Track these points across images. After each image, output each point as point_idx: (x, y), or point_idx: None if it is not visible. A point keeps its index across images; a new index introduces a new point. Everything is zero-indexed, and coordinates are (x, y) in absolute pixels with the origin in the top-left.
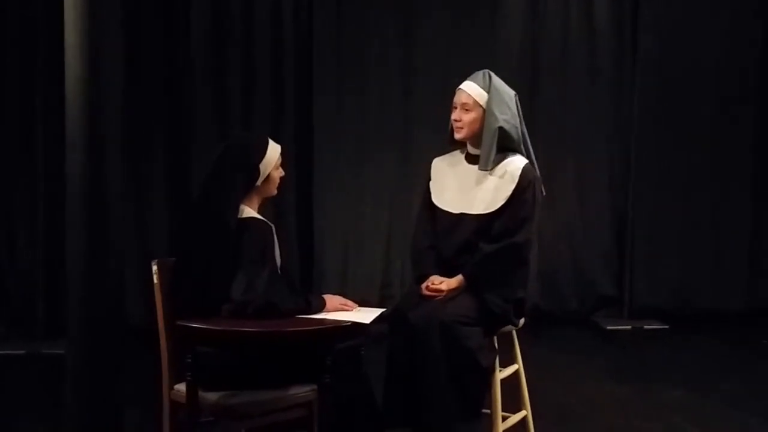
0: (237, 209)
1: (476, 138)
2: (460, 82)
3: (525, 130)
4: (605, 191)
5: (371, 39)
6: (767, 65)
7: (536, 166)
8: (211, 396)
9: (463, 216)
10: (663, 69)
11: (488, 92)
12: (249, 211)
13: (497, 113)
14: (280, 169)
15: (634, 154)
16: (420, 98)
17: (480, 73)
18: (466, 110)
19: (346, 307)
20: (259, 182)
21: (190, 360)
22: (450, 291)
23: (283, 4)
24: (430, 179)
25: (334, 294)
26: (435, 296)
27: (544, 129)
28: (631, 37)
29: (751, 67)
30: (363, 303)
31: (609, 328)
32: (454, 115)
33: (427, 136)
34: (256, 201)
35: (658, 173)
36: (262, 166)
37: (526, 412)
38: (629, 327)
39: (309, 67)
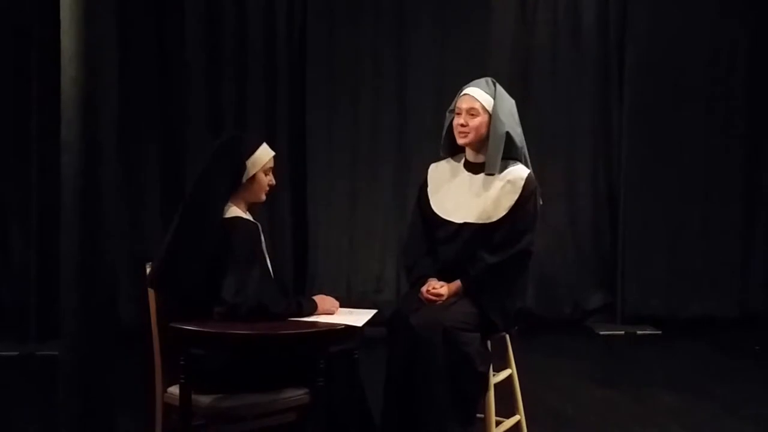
0: (222, 205)
1: (479, 144)
2: (453, 89)
3: (523, 139)
4: (598, 196)
5: (364, 45)
6: (755, 68)
7: (532, 173)
8: (204, 399)
9: (464, 225)
10: (652, 76)
11: (494, 98)
12: (235, 211)
13: (503, 119)
14: (270, 177)
15: (626, 161)
16: (412, 105)
17: (483, 80)
18: (473, 115)
19: (336, 310)
20: (244, 179)
21: (183, 362)
22: (450, 296)
23: (277, 12)
24: (426, 185)
25: (326, 295)
26: (435, 300)
27: (534, 136)
28: (618, 45)
29: (740, 73)
30: (356, 307)
31: (602, 333)
32: (459, 120)
33: (420, 142)
34: (243, 204)
35: (650, 179)
36: (248, 163)
37: (519, 416)
38: (622, 332)
39: (302, 73)
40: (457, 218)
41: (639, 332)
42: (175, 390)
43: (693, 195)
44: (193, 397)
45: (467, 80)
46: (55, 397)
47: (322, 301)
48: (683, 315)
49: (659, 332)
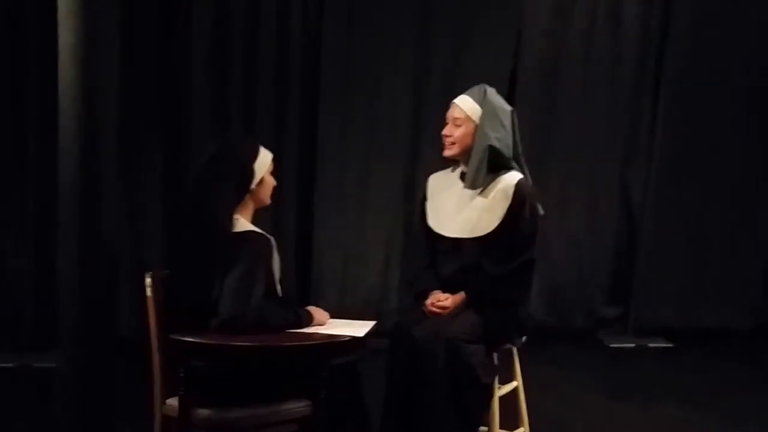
0: (232, 216)
1: (467, 155)
2: None
3: (519, 149)
4: (611, 207)
5: (380, 49)
6: None
7: (529, 180)
8: (204, 411)
9: (460, 239)
10: (688, 84)
11: (482, 107)
12: (246, 224)
13: (489, 130)
14: (273, 178)
15: (645, 171)
16: (426, 113)
17: (476, 88)
18: (457, 125)
19: (326, 322)
20: (253, 185)
21: (183, 374)
22: (454, 308)
23: (292, 18)
24: (425, 198)
25: (317, 307)
26: (439, 313)
27: (559, 141)
28: (656, 51)
29: None
30: (360, 317)
31: (613, 345)
32: (445, 131)
33: (431, 151)
34: (250, 209)
35: (666, 189)
36: (256, 167)
37: (524, 429)
38: (633, 345)
39: (315, 78)
40: (449, 232)
41: (650, 345)
42: (174, 402)
43: (712, 205)
44: (193, 409)
45: (491, 82)
46: (53, 409)
47: (315, 312)
48: (697, 326)
49: (671, 345)
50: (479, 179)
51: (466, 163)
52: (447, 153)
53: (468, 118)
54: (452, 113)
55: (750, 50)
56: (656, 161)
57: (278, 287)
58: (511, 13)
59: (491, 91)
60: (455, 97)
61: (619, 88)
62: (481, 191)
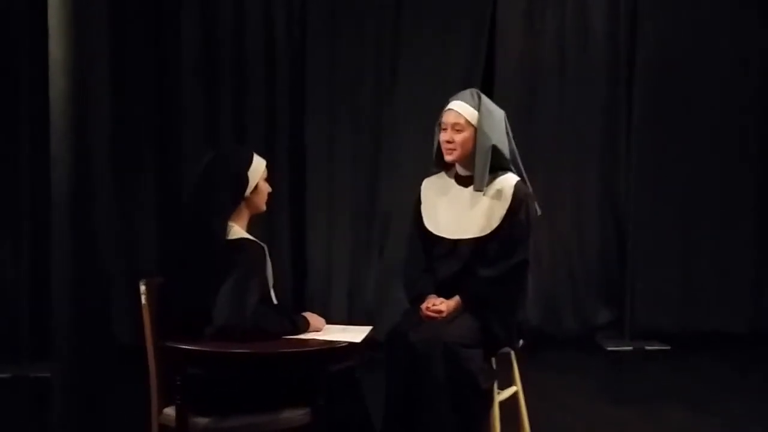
0: (226, 224)
1: (467, 158)
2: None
3: (515, 149)
4: (605, 210)
5: (365, 56)
6: None
7: (528, 183)
8: (201, 420)
9: (459, 241)
10: (661, 86)
11: (478, 111)
12: (239, 231)
13: (488, 132)
14: (267, 184)
15: (635, 173)
16: (415, 119)
17: (467, 92)
18: (458, 130)
19: (323, 327)
20: (248, 192)
21: (179, 383)
22: (450, 312)
23: (276, 23)
24: (420, 202)
25: (313, 313)
26: (435, 318)
27: (541, 147)
28: (628, 56)
29: (754, 83)
30: (354, 323)
31: (610, 349)
32: (445, 137)
33: (422, 156)
34: (245, 216)
35: (659, 192)
36: (250, 174)
37: None
38: (630, 348)
39: (302, 84)
40: (451, 234)
41: (648, 348)
42: (170, 411)
43: (704, 208)
44: (190, 418)
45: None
46: (48, 419)
47: (311, 318)
48: (692, 330)
49: (668, 348)
50: (485, 180)
51: (465, 166)
52: (448, 158)
53: (468, 123)
54: (450, 119)
55: (719, 52)
56: (638, 163)
57: (273, 294)
58: (485, 23)
59: (483, 95)
60: (438, 107)
61: (593, 96)
62: (481, 192)
